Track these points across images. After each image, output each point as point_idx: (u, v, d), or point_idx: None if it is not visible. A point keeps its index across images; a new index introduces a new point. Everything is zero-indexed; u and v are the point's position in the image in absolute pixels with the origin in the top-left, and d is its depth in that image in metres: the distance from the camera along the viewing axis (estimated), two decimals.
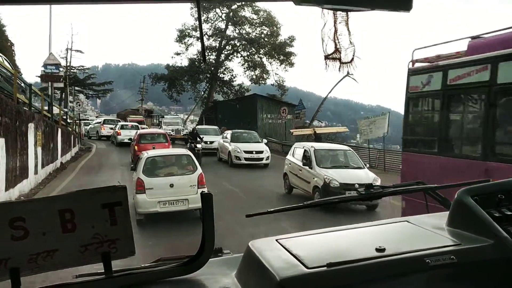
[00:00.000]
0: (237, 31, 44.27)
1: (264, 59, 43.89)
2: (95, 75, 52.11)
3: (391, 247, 1.21)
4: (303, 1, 0.89)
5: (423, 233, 1.37)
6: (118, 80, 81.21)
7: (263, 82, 44.54)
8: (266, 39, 43.11)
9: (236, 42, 44.63)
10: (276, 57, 42.84)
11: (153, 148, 15.46)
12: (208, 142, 23.02)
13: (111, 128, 32.25)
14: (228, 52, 45.32)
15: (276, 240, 1.36)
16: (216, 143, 23.05)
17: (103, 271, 1.18)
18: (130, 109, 52.67)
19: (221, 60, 44.98)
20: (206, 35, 43.92)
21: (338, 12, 1.22)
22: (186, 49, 44.87)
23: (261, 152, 19.59)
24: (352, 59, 1.41)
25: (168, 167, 9.68)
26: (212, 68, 44.68)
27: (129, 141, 24.33)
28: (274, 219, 6.77)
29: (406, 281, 1.14)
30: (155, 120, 47.54)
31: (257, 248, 1.29)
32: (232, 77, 45.73)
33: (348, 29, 1.30)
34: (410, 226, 1.45)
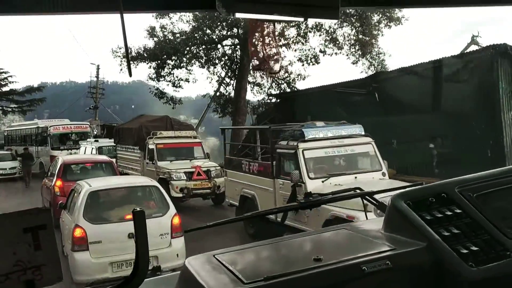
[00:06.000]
0: None
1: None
2: (14, 76, 33.93)
3: (328, 256, 1.21)
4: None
5: (360, 239, 1.38)
6: (55, 99, 65.10)
7: (365, 54, 21.13)
8: None
9: None
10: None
11: None
12: None
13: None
14: None
15: (214, 255, 1.32)
16: None
17: None
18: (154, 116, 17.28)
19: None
20: None
21: (266, 24, 1.03)
22: None
23: None
24: (280, 70, 1.05)
25: (123, 207, 6.20)
26: (242, 34, 21.76)
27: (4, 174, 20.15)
28: None
29: None
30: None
31: (193, 266, 1.26)
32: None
33: (275, 40, 1.15)
34: (347, 234, 1.45)
